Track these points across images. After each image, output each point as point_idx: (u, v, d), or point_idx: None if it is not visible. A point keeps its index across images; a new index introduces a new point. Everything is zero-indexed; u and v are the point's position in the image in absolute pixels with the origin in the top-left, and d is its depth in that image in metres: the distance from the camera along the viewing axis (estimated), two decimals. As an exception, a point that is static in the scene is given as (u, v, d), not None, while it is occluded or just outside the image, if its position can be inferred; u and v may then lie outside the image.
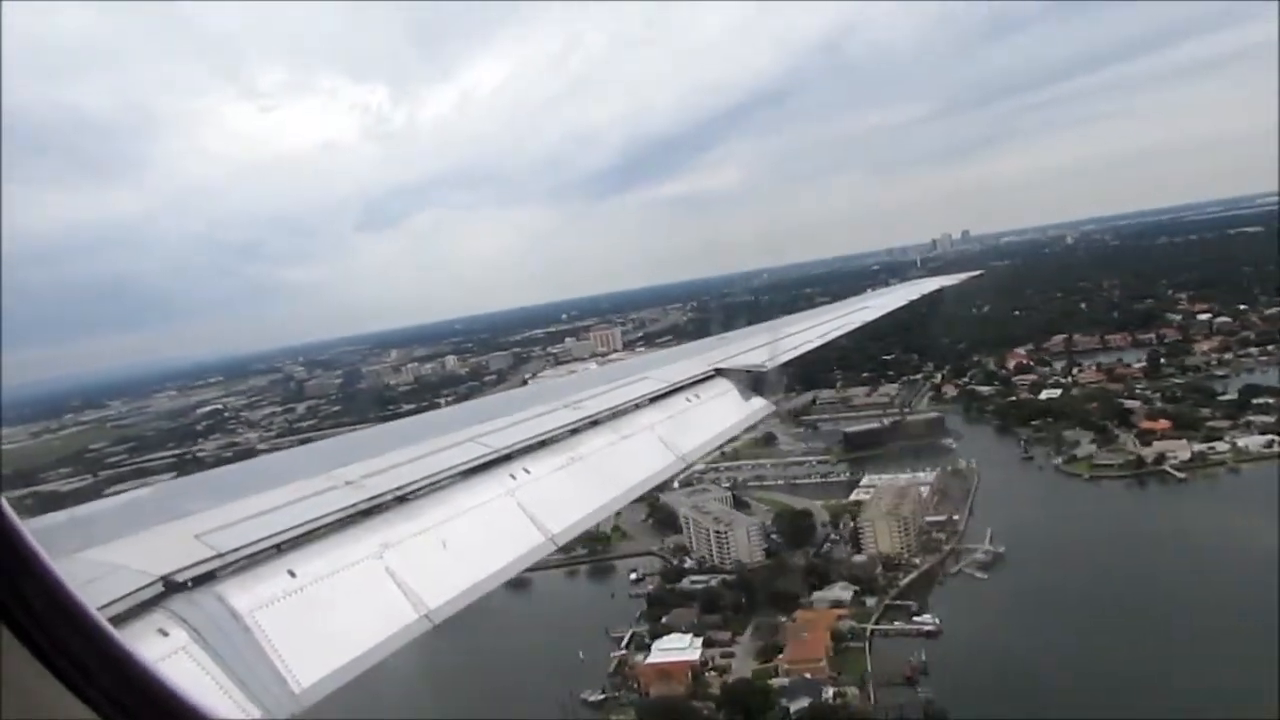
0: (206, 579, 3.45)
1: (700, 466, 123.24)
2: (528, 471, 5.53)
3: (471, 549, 4.69)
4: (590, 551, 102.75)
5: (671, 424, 7.26)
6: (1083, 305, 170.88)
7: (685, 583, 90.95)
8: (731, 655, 75.42)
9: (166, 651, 3.03)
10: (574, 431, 6.35)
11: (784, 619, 78.42)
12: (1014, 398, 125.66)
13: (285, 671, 3.31)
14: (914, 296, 18.42)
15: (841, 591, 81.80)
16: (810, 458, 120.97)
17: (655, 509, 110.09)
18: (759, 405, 8.80)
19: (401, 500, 4.64)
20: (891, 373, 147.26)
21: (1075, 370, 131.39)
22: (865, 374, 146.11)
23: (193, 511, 4.04)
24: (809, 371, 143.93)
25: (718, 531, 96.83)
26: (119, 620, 2.99)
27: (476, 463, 5.30)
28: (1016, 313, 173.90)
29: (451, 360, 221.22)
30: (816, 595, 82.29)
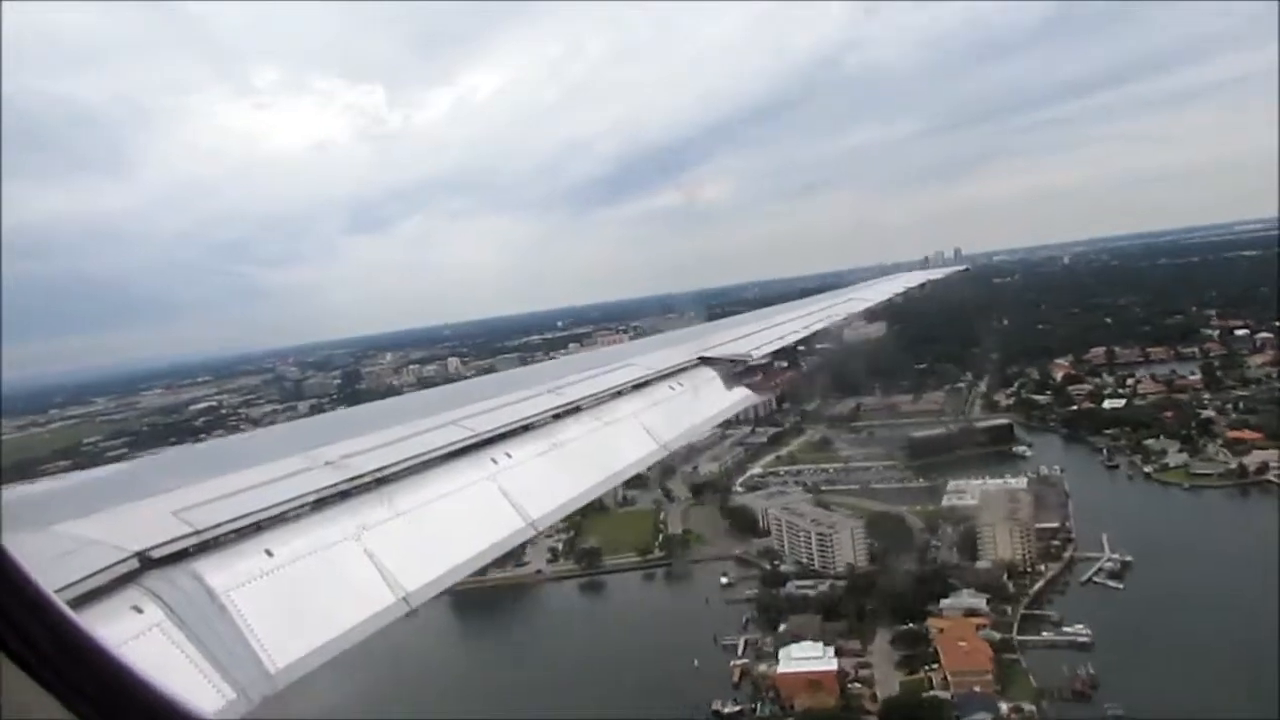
0: (182, 556, 3.41)
1: (758, 469, 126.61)
2: (509, 456, 5.52)
3: (451, 532, 4.68)
4: (668, 554, 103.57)
5: (654, 411, 7.27)
6: (1107, 320, 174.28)
7: (791, 588, 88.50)
8: (868, 665, 72.55)
9: (140, 629, 3.00)
10: (557, 417, 6.35)
11: (916, 627, 75.69)
12: (1074, 406, 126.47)
13: (260, 651, 3.29)
14: (899, 289, 18.55)
15: (971, 599, 79.05)
16: (874, 463, 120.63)
17: (731, 511, 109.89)
18: (742, 394, 8.82)
19: (382, 482, 4.61)
20: (930, 380, 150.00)
21: (1130, 381, 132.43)
22: (903, 382, 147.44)
23: (171, 488, 3.99)
24: (844, 378, 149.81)
25: (820, 535, 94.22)
26: (92, 596, 2.96)
27: (458, 446, 5.28)
28: (1040, 326, 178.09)
29: (454, 363, 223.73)
30: (945, 603, 79.36)
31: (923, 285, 21.92)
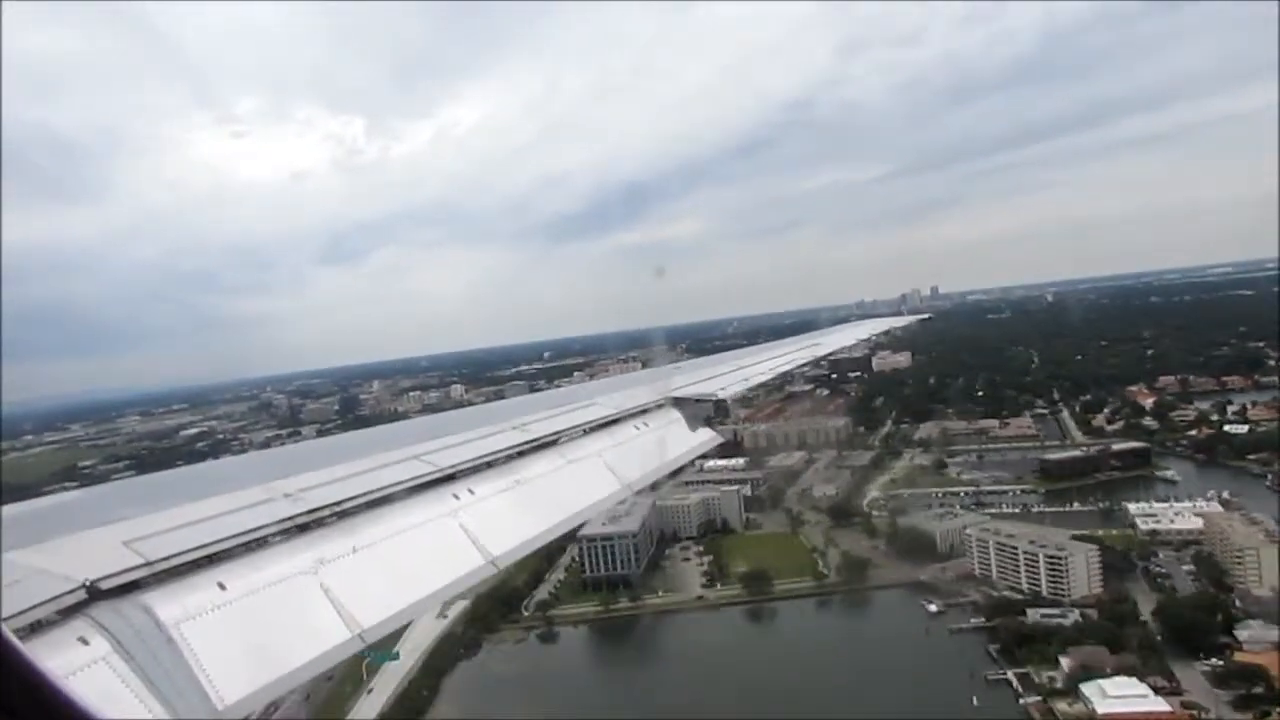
0: (133, 587, 3.36)
1: (876, 492, 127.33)
2: (472, 492, 5.50)
3: (410, 569, 4.63)
4: (845, 580, 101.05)
5: (619, 451, 7.29)
6: (1149, 351, 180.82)
7: (1036, 617, 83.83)
8: (1196, 705, 66.39)
9: (86, 661, 2.94)
10: (521, 454, 6.34)
11: (1228, 662, 70.44)
12: (1193, 432, 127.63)
13: (208, 686, 3.23)
14: (863, 335, 18.92)
15: (1265, 630, 73.27)
16: (1008, 486, 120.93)
17: (898, 534, 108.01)
18: (708, 435, 8.86)
19: (341, 515, 4.57)
20: (1002, 406, 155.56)
21: (1229, 409, 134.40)
22: (973, 407, 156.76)
23: (124, 517, 3.93)
24: (906, 404, 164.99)
25: (1051, 559, 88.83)
26: (38, 627, 2.91)
27: (420, 481, 5.26)
28: (1079, 357, 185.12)
29: (459, 389, 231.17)
30: (1245, 635, 73.49)
31: (887, 332, 22.35)
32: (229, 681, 3.31)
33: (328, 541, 4.35)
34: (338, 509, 4.57)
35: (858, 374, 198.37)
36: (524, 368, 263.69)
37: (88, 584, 3.18)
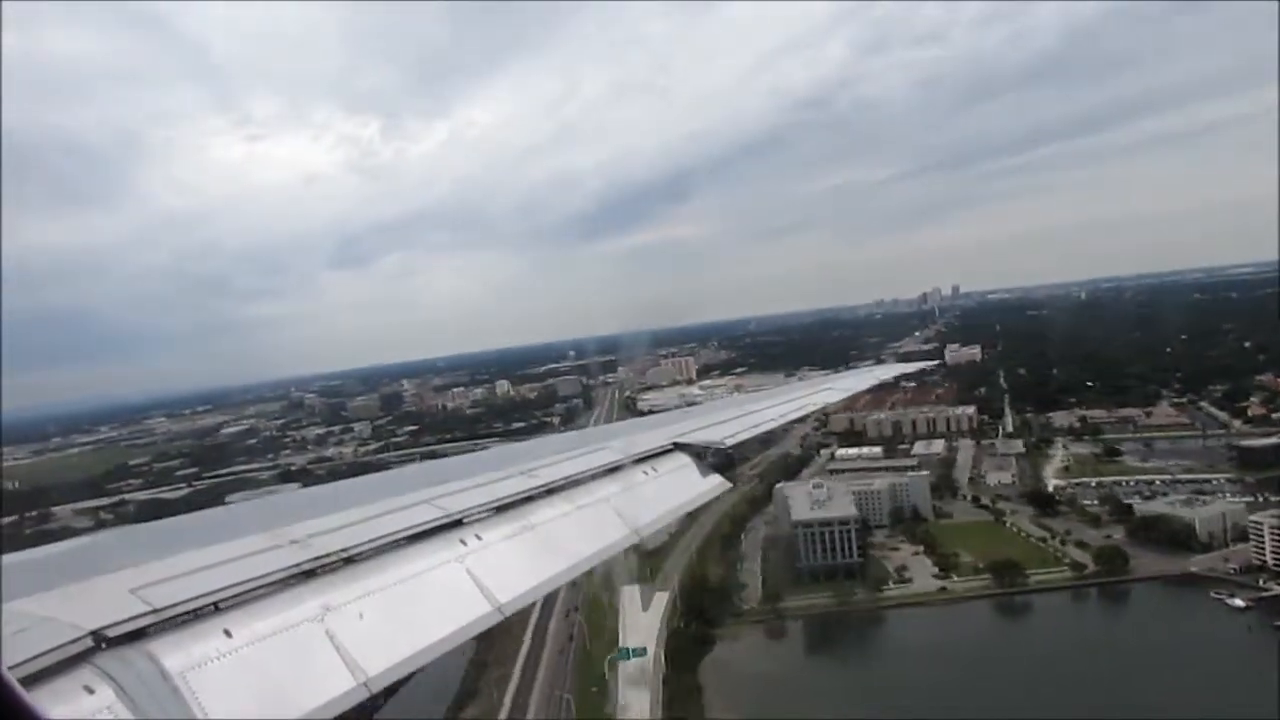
0: (138, 635, 3.34)
1: (1058, 480, 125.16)
2: (479, 538, 5.47)
3: (417, 615, 4.59)
4: (1107, 571, 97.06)
5: (627, 496, 7.25)
6: (1245, 344, 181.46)
7: None
8: None
9: (90, 711, 2.91)
10: (528, 499, 6.32)
11: None
12: None
13: None
14: (872, 383, 18.89)
15: None
16: (1209, 475, 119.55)
17: (1136, 521, 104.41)
18: (715, 482, 8.82)
19: (348, 561, 4.55)
20: (1130, 396, 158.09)
21: None
22: (1101, 396, 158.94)
23: (130, 564, 3.92)
24: (1026, 394, 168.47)
25: None
26: (43, 676, 2.89)
27: (427, 526, 5.24)
28: (1168, 350, 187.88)
29: (505, 385, 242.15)
30: None
31: (896, 379, 22.31)
32: None
33: (334, 588, 4.33)
34: (345, 554, 4.56)
35: (933, 368, 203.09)
36: (555, 365, 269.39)
37: (93, 632, 3.17)
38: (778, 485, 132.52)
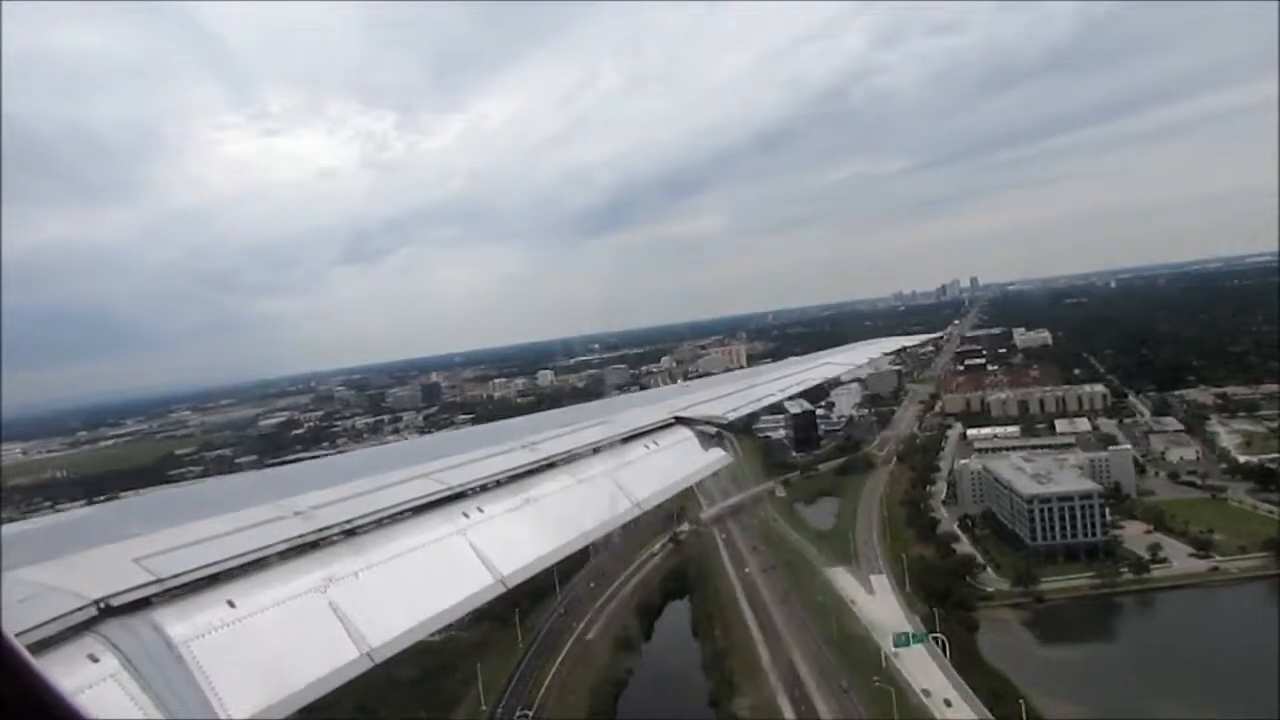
0: (143, 605, 3.36)
1: (1248, 456, 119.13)
2: (481, 511, 5.49)
3: (419, 587, 4.62)
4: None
5: (628, 470, 7.26)
6: None
7: None
8: None
9: (95, 678, 2.93)
10: (530, 473, 6.34)
11: None
12: None
13: (217, 704, 3.22)
14: (875, 355, 18.83)
15: None
16: None
17: None
18: (717, 455, 8.83)
19: (351, 533, 4.57)
20: (1225, 375, 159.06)
21: None
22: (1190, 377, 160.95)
23: (134, 534, 3.94)
24: (1140, 372, 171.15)
25: None
26: (48, 644, 2.91)
27: (430, 499, 5.26)
28: (1254, 329, 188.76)
29: (548, 375, 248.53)
30: None
31: (898, 351, 22.26)
32: (237, 699, 3.29)
33: (337, 559, 4.35)
34: (348, 527, 4.57)
35: (1003, 350, 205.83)
36: (584, 358, 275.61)
37: (98, 601, 3.19)
38: (961, 463, 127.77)
